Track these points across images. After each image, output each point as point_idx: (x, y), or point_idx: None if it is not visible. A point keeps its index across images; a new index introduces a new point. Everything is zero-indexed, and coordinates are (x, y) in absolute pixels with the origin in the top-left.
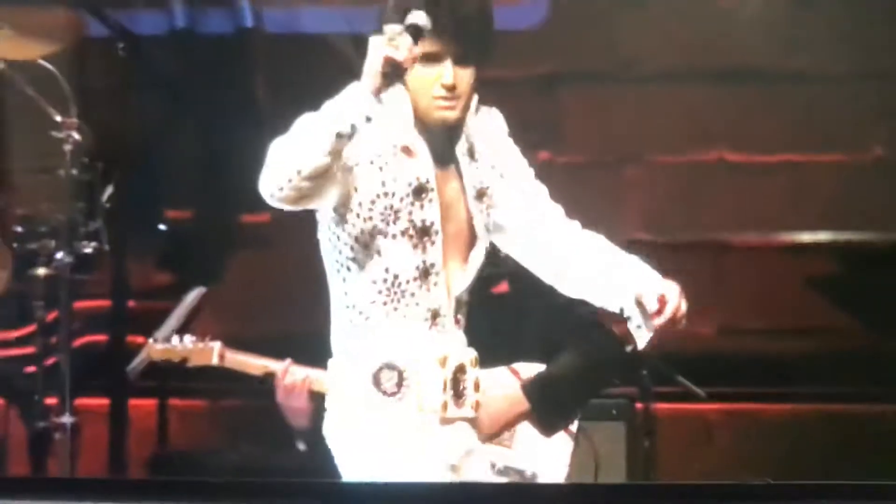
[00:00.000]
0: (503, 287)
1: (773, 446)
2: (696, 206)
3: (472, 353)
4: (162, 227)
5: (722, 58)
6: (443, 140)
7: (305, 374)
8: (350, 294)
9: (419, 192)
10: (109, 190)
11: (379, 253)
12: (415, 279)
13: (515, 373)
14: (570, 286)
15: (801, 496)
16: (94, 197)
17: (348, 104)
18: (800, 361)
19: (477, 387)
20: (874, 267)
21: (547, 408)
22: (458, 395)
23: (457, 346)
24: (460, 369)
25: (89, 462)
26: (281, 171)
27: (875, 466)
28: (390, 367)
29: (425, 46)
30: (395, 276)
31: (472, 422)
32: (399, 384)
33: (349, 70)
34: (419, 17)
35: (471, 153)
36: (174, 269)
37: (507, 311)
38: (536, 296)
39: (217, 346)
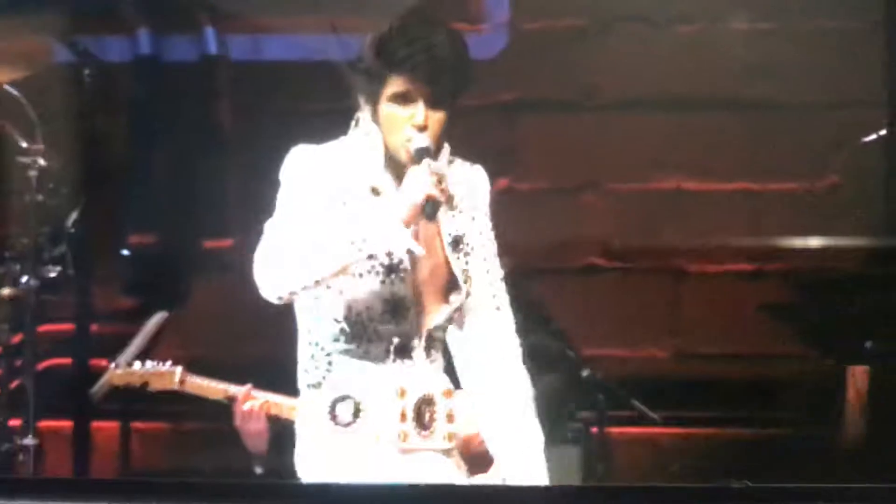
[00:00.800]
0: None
1: (727, 471)
2: (654, 232)
3: (445, 386)
4: (125, 252)
5: (681, 86)
6: None
7: (265, 399)
8: (313, 331)
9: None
10: (74, 215)
11: (341, 292)
12: (382, 313)
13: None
14: (468, 384)
15: (780, 498)
16: (59, 222)
17: (385, 234)
18: (754, 386)
19: (451, 418)
20: (828, 293)
21: None
22: (424, 426)
23: (423, 379)
24: (426, 400)
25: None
26: (295, 281)
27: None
28: (345, 398)
29: (397, 85)
30: (358, 314)
31: (448, 452)
32: (355, 415)
33: (312, 97)
34: (423, 141)
35: (449, 202)
36: (137, 294)
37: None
38: None
39: (178, 370)
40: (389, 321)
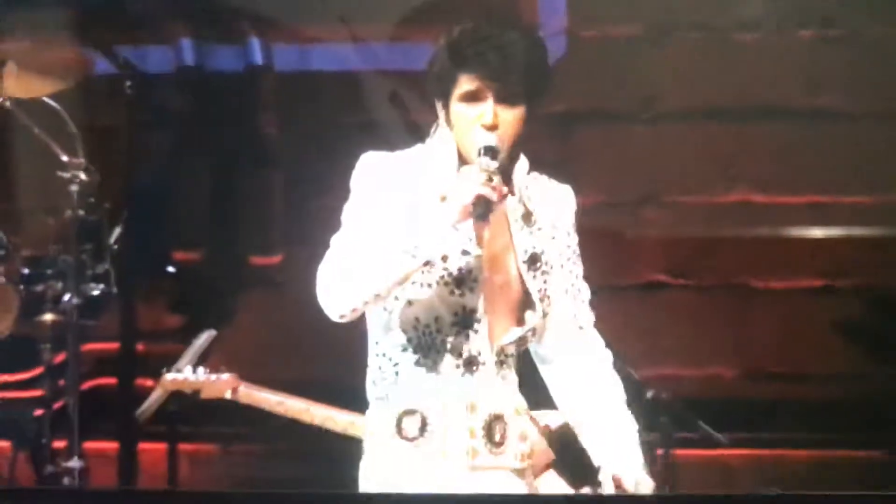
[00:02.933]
0: None
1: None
2: (719, 248)
3: (518, 403)
4: (171, 269)
5: (743, 96)
6: None
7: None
8: (380, 343)
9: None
10: (117, 231)
11: (410, 302)
12: (452, 326)
13: (534, 421)
14: (563, 404)
15: None
16: (101, 238)
17: (438, 236)
18: (824, 407)
19: (524, 437)
20: None
21: (574, 461)
22: (496, 443)
23: (494, 394)
24: (497, 417)
25: None
26: (357, 296)
27: None
28: (412, 412)
29: (466, 84)
30: (427, 325)
31: (521, 472)
32: (422, 429)
33: (360, 108)
34: (489, 139)
35: (526, 218)
36: (183, 312)
37: (526, 357)
38: None
39: (230, 377)
40: (459, 333)
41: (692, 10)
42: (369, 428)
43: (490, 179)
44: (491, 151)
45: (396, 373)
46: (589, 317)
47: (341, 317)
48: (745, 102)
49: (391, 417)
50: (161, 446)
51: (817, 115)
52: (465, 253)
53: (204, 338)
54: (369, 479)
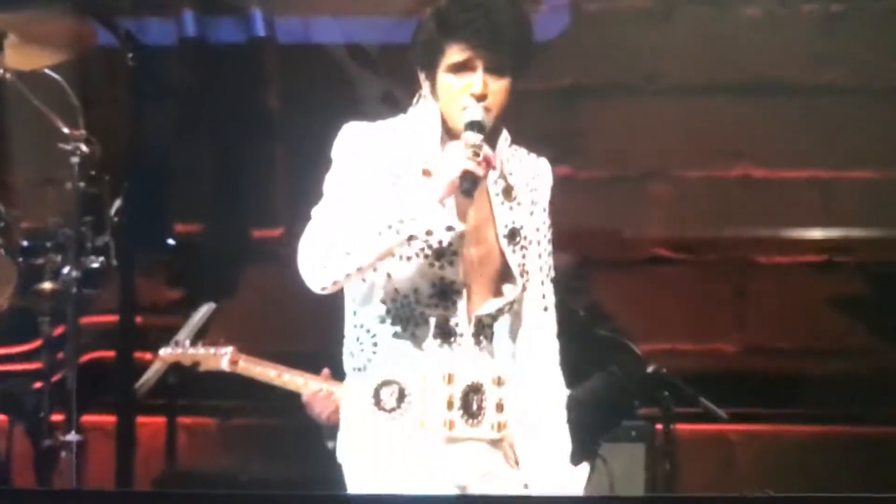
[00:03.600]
0: None
1: (798, 469)
2: (721, 222)
3: (496, 373)
4: (171, 241)
5: (747, 71)
6: None
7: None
8: (358, 313)
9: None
10: (117, 203)
11: (389, 275)
12: (430, 297)
13: None
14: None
15: None
16: (101, 211)
17: (424, 212)
18: (826, 382)
19: (500, 408)
20: None
21: (574, 437)
22: (472, 414)
23: (472, 365)
24: (474, 388)
25: (95, 481)
26: (338, 269)
27: None
28: (391, 382)
29: (455, 54)
30: (405, 296)
31: (497, 443)
32: (400, 400)
33: (362, 82)
34: (477, 114)
35: (507, 193)
36: (183, 285)
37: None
38: (560, 315)
39: (230, 350)
40: (437, 305)
41: None
42: (346, 399)
43: (476, 154)
44: (478, 126)
45: (375, 344)
46: (553, 298)
47: (322, 289)
48: (750, 77)
49: (369, 388)
50: (160, 420)
51: (822, 91)
52: (449, 229)
53: (203, 311)
54: (346, 451)
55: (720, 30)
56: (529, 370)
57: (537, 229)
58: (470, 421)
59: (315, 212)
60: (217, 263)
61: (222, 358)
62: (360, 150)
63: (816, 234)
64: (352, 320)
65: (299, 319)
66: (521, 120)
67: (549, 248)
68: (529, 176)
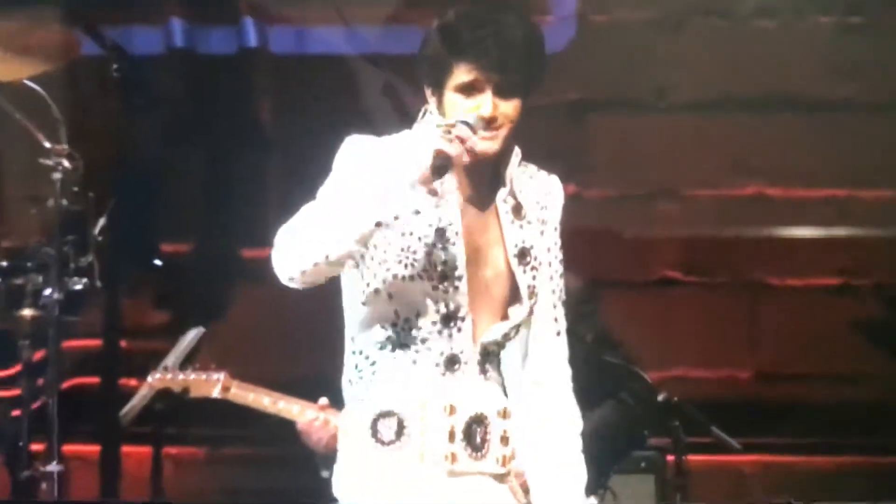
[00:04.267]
0: None
1: (815, 501)
2: (733, 243)
3: (501, 405)
4: (158, 261)
5: (760, 85)
6: (477, 181)
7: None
8: (357, 339)
9: (441, 233)
10: (102, 222)
11: (390, 296)
12: (433, 323)
13: None
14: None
15: None
16: (85, 229)
17: (393, 194)
18: (843, 411)
19: (506, 440)
20: None
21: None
22: (475, 447)
23: (476, 395)
24: (477, 419)
25: None
26: (305, 256)
27: None
28: (389, 414)
29: (463, 74)
30: (406, 321)
31: (503, 478)
32: (399, 433)
33: (356, 94)
34: (470, 116)
35: (516, 211)
36: (171, 307)
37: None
38: (568, 341)
39: (222, 376)
40: (441, 331)
41: None
42: (343, 430)
43: (448, 132)
44: (468, 126)
45: (374, 372)
46: (565, 322)
47: (290, 279)
48: (763, 92)
49: (366, 419)
50: (145, 449)
51: (838, 106)
52: (416, 213)
53: (192, 335)
54: (343, 484)
55: (732, 42)
56: (542, 399)
57: (548, 249)
58: (473, 454)
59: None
60: (206, 284)
61: (214, 384)
62: (360, 162)
63: (832, 255)
64: (350, 346)
65: (294, 343)
66: (524, 136)
67: (561, 269)
68: (540, 194)
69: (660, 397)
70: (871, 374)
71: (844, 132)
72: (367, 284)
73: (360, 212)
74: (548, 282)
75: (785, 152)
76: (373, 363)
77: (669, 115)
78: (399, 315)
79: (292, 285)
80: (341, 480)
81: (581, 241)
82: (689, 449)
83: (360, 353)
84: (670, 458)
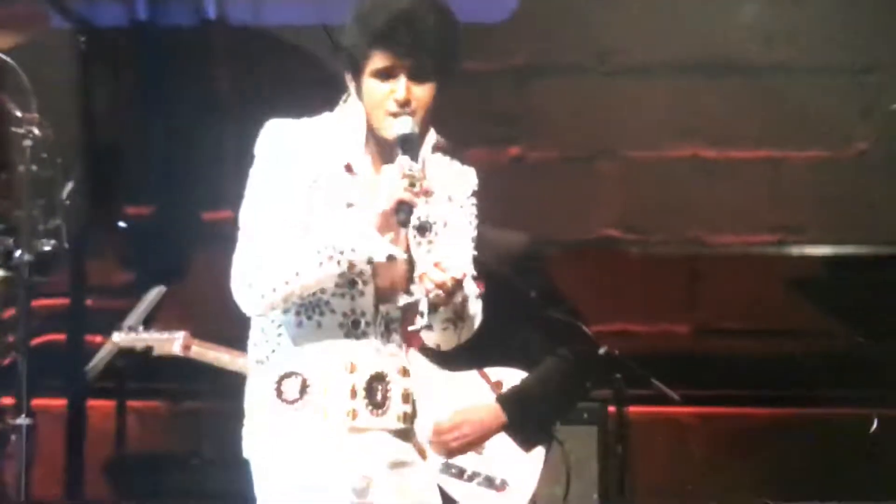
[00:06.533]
0: (479, 286)
1: (750, 452)
2: (672, 203)
3: (400, 363)
4: (122, 224)
5: (698, 51)
6: (390, 159)
7: None
8: None
9: (348, 206)
10: (69, 186)
11: None
12: (338, 286)
13: (485, 377)
14: None
15: None
16: (53, 194)
17: (362, 241)
18: (777, 364)
19: (407, 398)
20: (856, 268)
21: (527, 423)
22: (377, 404)
23: (377, 355)
24: (377, 377)
25: (45, 465)
26: (275, 295)
27: (852, 474)
28: (293, 374)
29: (378, 60)
30: (321, 289)
31: (406, 434)
32: (302, 391)
33: (315, 64)
34: (406, 126)
35: (425, 194)
36: (134, 267)
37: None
38: (511, 297)
39: (182, 335)
40: (344, 295)
41: None
42: (249, 391)
43: (412, 185)
44: (407, 139)
45: (279, 335)
46: (473, 290)
47: (258, 314)
48: (700, 56)
49: (271, 381)
50: (110, 403)
51: (773, 70)
52: (390, 258)
53: (154, 293)
54: (251, 444)
55: (671, 8)
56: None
57: (452, 224)
58: (375, 411)
59: (241, 217)
60: (168, 246)
61: (175, 342)
62: (282, 147)
63: (767, 214)
64: None
65: None
66: (471, 101)
67: (469, 232)
68: (452, 176)
69: (601, 351)
70: (804, 329)
71: (779, 95)
72: None
73: (333, 259)
74: (445, 248)
75: (721, 115)
76: (278, 325)
77: (610, 78)
78: None
79: (256, 316)
80: (249, 441)
81: (525, 201)
82: (629, 400)
83: (267, 317)
84: (612, 409)
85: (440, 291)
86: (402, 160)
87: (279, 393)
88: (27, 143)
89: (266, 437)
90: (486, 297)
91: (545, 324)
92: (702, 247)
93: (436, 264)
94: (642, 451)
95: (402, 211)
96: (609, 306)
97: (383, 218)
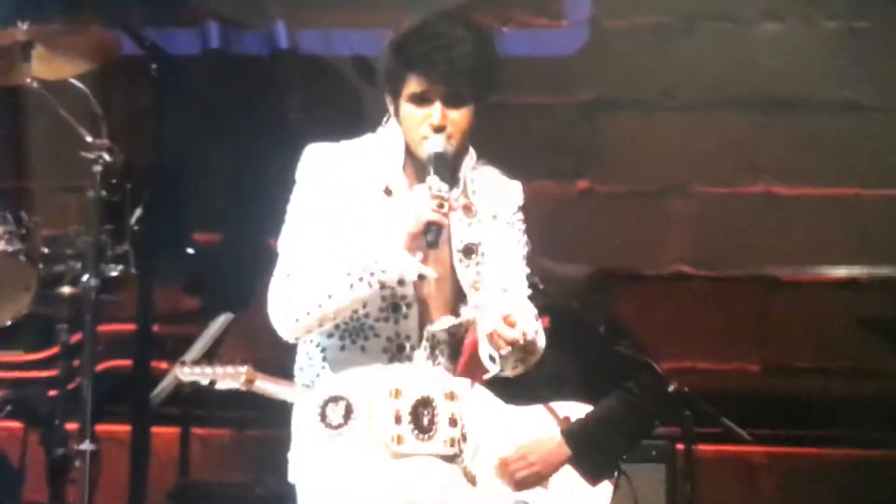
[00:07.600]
0: (544, 321)
1: (820, 493)
2: (743, 239)
3: (447, 387)
4: (190, 250)
5: (769, 87)
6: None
7: None
8: None
9: (383, 230)
10: (138, 212)
11: None
12: (381, 310)
13: (552, 412)
14: None
15: None
16: (122, 219)
17: (394, 261)
18: (850, 404)
19: (454, 422)
20: None
21: (591, 456)
22: (423, 429)
23: (422, 380)
24: (424, 402)
25: (108, 491)
26: (310, 320)
27: None
28: (337, 399)
29: (414, 85)
30: (355, 311)
31: (453, 459)
32: (346, 416)
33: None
34: (438, 145)
35: (467, 210)
36: (201, 294)
37: (547, 347)
38: (579, 331)
39: (245, 369)
40: (388, 319)
41: None
42: (295, 415)
43: (441, 206)
44: (441, 157)
45: (323, 358)
46: (524, 287)
47: (295, 339)
48: (770, 93)
49: (315, 405)
50: (174, 430)
51: (844, 107)
52: (421, 277)
53: (220, 322)
54: (297, 469)
55: (740, 45)
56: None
57: (494, 242)
58: (421, 436)
59: (281, 245)
60: (235, 273)
61: (238, 377)
62: (321, 172)
63: (840, 251)
64: None
65: None
66: (541, 133)
67: (519, 263)
68: (495, 193)
69: (670, 388)
70: (877, 368)
71: (850, 133)
72: None
73: (364, 281)
74: (495, 269)
75: (792, 151)
76: (322, 350)
77: (679, 114)
78: None
79: (295, 342)
80: (294, 466)
81: (594, 235)
82: (698, 438)
83: (311, 341)
84: (680, 446)
85: (510, 348)
86: (431, 180)
87: (323, 417)
88: (97, 168)
89: (310, 462)
90: (553, 332)
91: (613, 359)
92: (773, 283)
93: (505, 318)
94: (710, 491)
95: (431, 232)
96: (679, 342)
97: (412, 238)
